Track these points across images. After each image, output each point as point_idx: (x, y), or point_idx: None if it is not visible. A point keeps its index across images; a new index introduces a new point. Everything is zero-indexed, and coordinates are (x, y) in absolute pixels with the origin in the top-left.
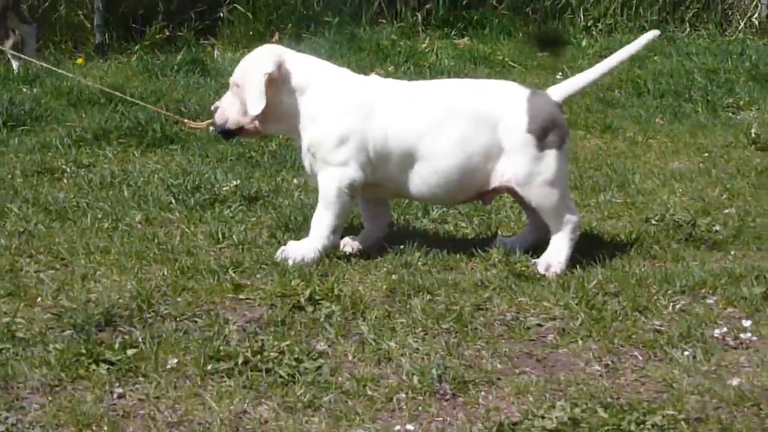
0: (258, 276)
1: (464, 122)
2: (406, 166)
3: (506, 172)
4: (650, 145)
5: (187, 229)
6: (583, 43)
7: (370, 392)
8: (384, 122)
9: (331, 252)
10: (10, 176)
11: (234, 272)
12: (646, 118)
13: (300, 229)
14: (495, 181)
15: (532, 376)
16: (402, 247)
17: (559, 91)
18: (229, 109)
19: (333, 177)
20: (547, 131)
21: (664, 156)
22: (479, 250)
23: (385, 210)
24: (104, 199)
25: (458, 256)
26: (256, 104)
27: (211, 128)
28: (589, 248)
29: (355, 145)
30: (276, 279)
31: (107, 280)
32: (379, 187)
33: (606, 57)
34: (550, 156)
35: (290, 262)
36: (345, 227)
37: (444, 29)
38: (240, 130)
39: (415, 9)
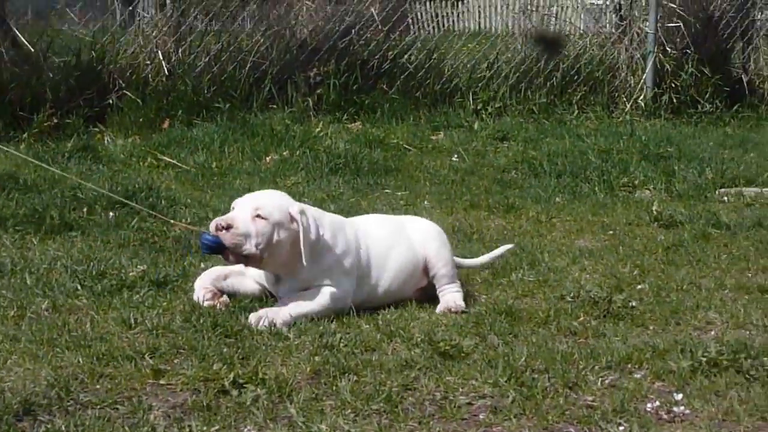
0: (176, 361)
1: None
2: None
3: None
4: (554, 224)
5: (96, 316)
6: (476, 126)
7: None
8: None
9: (249, 332)
10: None
11: (151, 358)
12: (546, 198)
13: (211, 314)
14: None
15: None
16: (321, 328)
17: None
18: (248, 239)
19: (335, 295)
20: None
21: (569, 234)
22: (400, 330)
23: None
24: (6, 287)
25: (379, 336)
26: (306, 258)
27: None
28: (509, 326)
29: (354, 276)
30: (196, 363)
31: (20, 368)
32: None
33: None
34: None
35: (263, 324)
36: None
37: (336, 113)
38: (238, 256)
39: (306, 94)
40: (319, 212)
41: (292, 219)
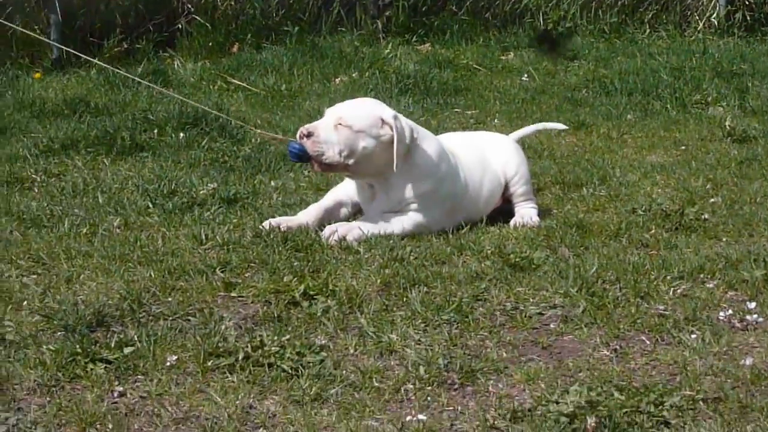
0: (247, 274)
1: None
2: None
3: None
4: (625, 140)
5: (168, 232)
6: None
7: (376, 384)
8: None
9: (319, 247)
10: None
11: (222, 272)
12: (617, 115)
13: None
14: None
15: (540, 363)
16: (391, 242)
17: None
18: (329, 147)
19: (420, 222)
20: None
21: (641, 150)
22: (470, 243)
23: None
24: (79, 206)
25: (449, 249)
26: (396, 166)
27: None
28: (579, 239)
29: (449, 204)
30: (267, 276)
31: (93, 282)
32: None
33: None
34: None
35: (347, 237)
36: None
37: (405, 36)
38: (324, 165)
39: (375, 16)
40: (423, 131)
41: (384, 124)
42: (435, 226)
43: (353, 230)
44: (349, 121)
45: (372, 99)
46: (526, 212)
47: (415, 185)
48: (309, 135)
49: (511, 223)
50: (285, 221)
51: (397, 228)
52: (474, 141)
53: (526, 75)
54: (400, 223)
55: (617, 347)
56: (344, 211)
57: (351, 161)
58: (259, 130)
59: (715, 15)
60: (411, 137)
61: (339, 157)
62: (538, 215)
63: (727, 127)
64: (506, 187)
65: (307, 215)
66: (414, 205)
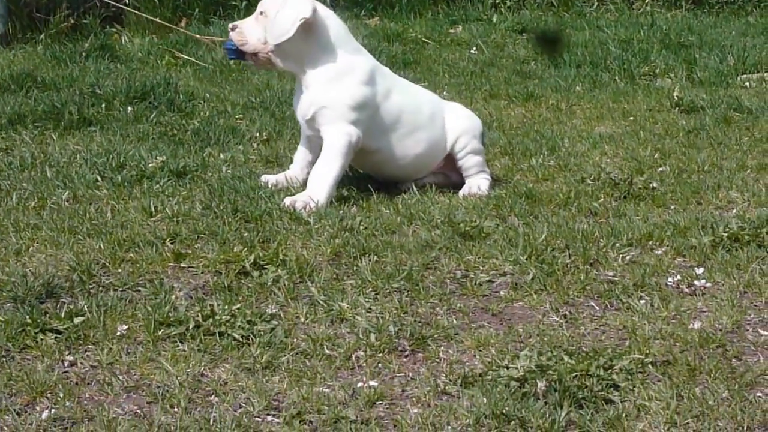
0: (197, 245)
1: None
2: (397, 145)
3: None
4: (574, 111)
5: (117, 205)
6: (494, 19)
7: (327, 351)
8: (395, 104)
9: (269, 218)
10: None
11: (172, 243)
12: (566, 87)
13: (231, 201)
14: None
15: (490, 330)
16: (341, 212)
17: None
18: (249, 34)
19: (346, 132)
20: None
21: (590, 121)
22: (420, 213)
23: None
24: (27, 180)
25: (399, 219)
26: (280, 38)
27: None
28: (529, 208)
29: (369, 114)
30: (217, 247)
31: (42, 254)
32: (362, 160)
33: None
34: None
35: (300, 208)
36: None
37: (353, 10)
38: (252, 56)
39: None
40: (355, 45)
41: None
42: (353, 139)
43: (302, 202)
44: (265, 7)
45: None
46: (474, 182)
47: (328, 86)
48: (234, 28)
49: (461, 192)
50: (274, 178)
51: (333, 164)
52: (432, 98)
53: (474, 48)
54: (328, 151)
55: (567, 313)
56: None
57: (269, 47)
58: (198, 35)
59: None
60: (312, 14)
61: (259, 44)
62: (489, 186)
63: (675, 97)
64: (456, 158)
65: (294, 169)
66: (327, 112)
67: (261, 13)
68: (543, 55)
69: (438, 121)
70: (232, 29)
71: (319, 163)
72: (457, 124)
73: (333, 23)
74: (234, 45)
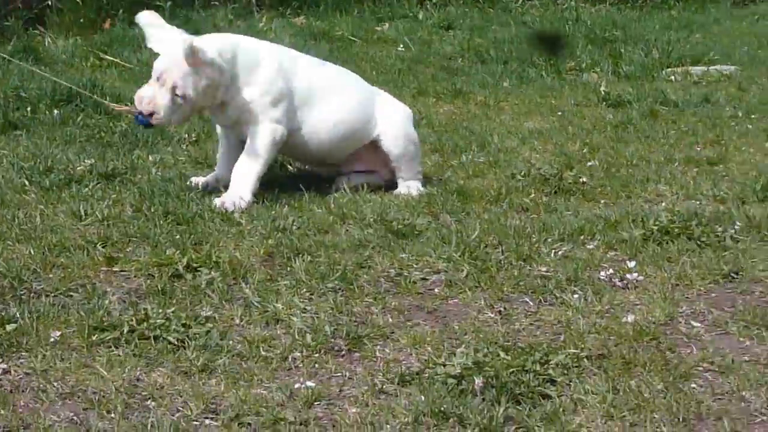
0: (129, 249)
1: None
2: (316, 127)
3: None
4: (502, 107)
5: (46, 210)
6: (420, 16)
7: (264, 353)
8: (307, 83)
9: (201, 220)
10: None
11: (103, 247)
12: (493, 83)
13: (162, 203)
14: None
15: (426, 328)
16: (273, 213)
17: None
18: (158, 104)
19: (270, 130)
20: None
21: (518, 117)
22: (352, 212)
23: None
24: None
25: (331, 218)
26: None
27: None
28: (460, 205)
29: (286, 102)
30: (149, 250)
31: None
32: (290, 146)
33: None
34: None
35: (230, 208)
36: None
37: (279, 9)
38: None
39: None
40: (231, 40)
41: (195, 62)
42: (278, 136)
43: (237, 193)
44: (162, 75)
45: (178, 40)
46: (410, 184)
47: (241, 89)
48: (141, 102)
49: (395, 192)
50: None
51: (259, 159)
52: (353, 80)
53: (401, 45)
54: (251, 149)
55: (502, 309)
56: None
57: (187, 107)
58: (114, 105)
59: None
60: (215, 63)
61: (172, 107)
62: (422, 186)
63: (602, 92)
64: (388, 155)
65: (221, 169)
66: (251, 112)
67: (158, 78)
68: (543, 55)
69: (356, 100)
70: (139, 102)
71: (241, 161)
72: (391, 126)
73: (220, 44)
74: (141, 117)
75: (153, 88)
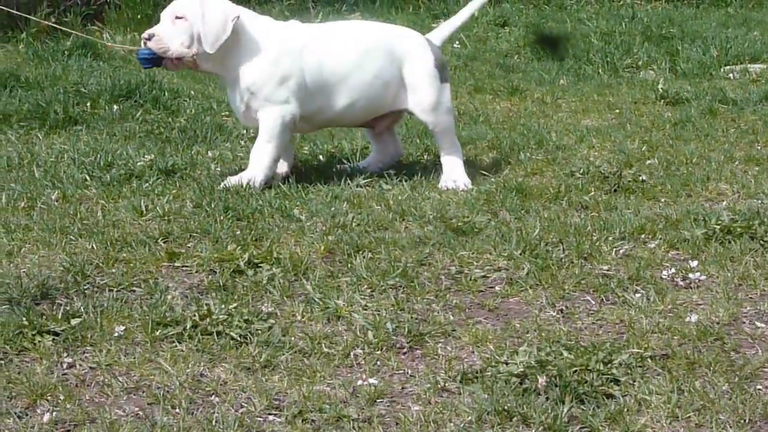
0: (190, 244)
1: (378, 60)
2: (336, 96)
3: (410, 100)
4: (559, 104)
5: (107, 204)
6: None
7: (326, 349)
8: (317, 60)
9: (260, 215)
10: None
11: (165, 242)
12: (550, 80)
13: (222, 198)
14: (398, 105)
15: (487, 326)
16: (333, 209)
17: (437, 36)
18: (170, 40)
19: (277, 113)
20: (443, 68)
21: (575, 114)
22: (412, 209)
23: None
24: (15, 180)
25: (390, 215)
26: (215, 44)
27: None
28: (520, 203)
29: (295, 83)
30: (210, 246)
31: (34, 255)
32: (307, 119)
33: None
34: (447, 88)
35: (240, 182)
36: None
37: (334, 5)
38: (172, 61)
39: None
40: (249, 14)
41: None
42: (287, 119)
43: (246, 175)
44: (183, 11)
45: None
46: (451, 174)
47: (247, 72)
48: (151, 37)
49: (440, 185)
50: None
51: (268, 143)
52: (364, 31)
53: (457, 42)
54: (263, 132)
55: (563, 308)
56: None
57: (194, 49)
58: (108, 43)
59: None
60: (224, 20)
61: (183, 48)
62: (465, 174)
63: (660, 89)
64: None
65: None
66: (259, 95)
67: (177, 17)
68: (548, 55)
69: (375, 54)
70: (149, 38)
71: (256, 145)
72: (418, 83)
73: (244, 13)
74: (148, 54)
75: (168, 28)
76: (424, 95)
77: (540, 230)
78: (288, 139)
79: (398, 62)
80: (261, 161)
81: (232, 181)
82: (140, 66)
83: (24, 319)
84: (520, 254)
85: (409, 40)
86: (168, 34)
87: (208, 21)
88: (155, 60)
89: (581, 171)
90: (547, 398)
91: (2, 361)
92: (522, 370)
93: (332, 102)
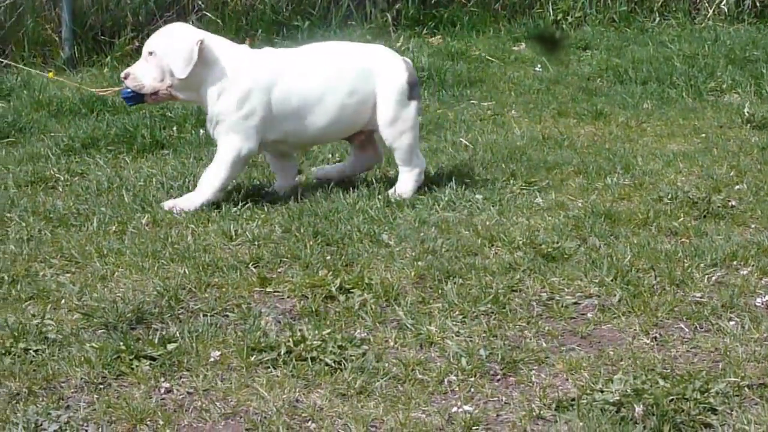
0: (281, 269)
1: (351, 79)
2: (311, 118)
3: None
4: (644, 129)
5: (197, 229)
6: (557, 36)
7: (419, 376)
8: (287, 90)
9: (349, 240)
10: (3, 187)
11: (255, 267)
12: (633, 104)
13: (311, 223)
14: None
15: (581, 353)
16: (422, 235)
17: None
18: (143, 76)
19: (235, 145)
20: (413, 85)
21: (661, 138)
22: (501, 234)
23: (292, 162)
24: (105, 204)
25: (479, 241)
26: (185, 69)
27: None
28: (608, 228)
29: (259, 117)
30: (300, 271)
31: (127, 280)
32: (282, 142)
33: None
34: (413, 106)
35: (176, 210)
36: None
37: (415, 28)
38: (151, 96)
39: (384, 9)
40: (222, 42)
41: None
42: (243, 153)
43: (191, 200)
44: (152, 47)
45: (174, 24)
46: (400, 188)
47: (217, 100)
48: (127, 76)
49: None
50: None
51: (216, 164)
52: (337, 56)
53: (539, 66)
54: (218, 159)
55: (657, 335)
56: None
57: (167, 81)
58: (95, 89)
59: (725, 2)
60: (190, 45)
61: (156, 83)
62: (418, 184)
63: (746, 113)
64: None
65: (279, 180)
66: (223, 123)
67: (150, 53)
68: (544, 57)
69: (348, 74)
70: (125, 78)
71: (208, 168)
72: (385, 93)
73: (214, 41)
74: (130, 92)
75: (141, 65)
76: (384, 109)
77: (631, 256)
78: (240, 171)
79: (372, 80)
80: (208, 185)
81: (169, 204)
82: (126, 105)
83: (121, 343)
84: (612, 281)
85: (382, 58)
86: (141, 71)
87: (176, 49)
88: (136, 97)
89: (669, 196)
90: (644, 427)
91: (101, 386)
92: (618, 398)
93: (307, 124)
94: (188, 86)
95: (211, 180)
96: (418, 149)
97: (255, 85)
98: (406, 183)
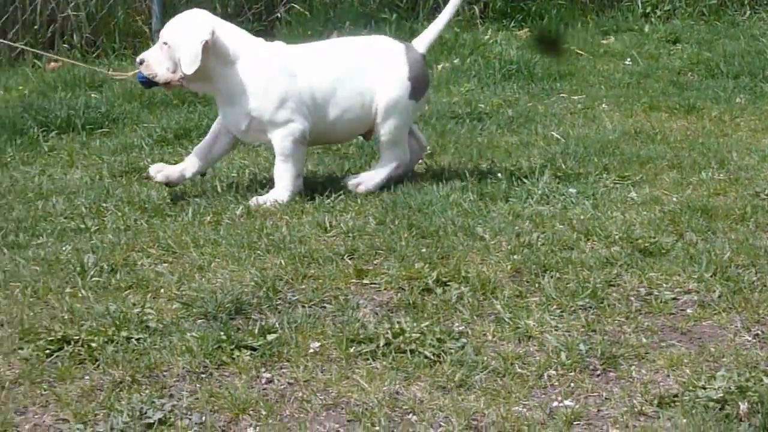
0: (376, 261)
1: (360, 76)
2: (326, 113)
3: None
4: (738, 123)
5: (291, 220)
6: (646, 29)
7: (519, 370)
8: (308, 80)
9: (444, 233)
10: (98, 177)
11: (351, 259)
12: (726, 98)
13: (405, 216)
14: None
15: (681, 349)
16: (517, 228)
17: (422, 42)
18: (157, 65)
19: (286, 133)
20: (416, 81)
21: (755, 133)
22: (596, 229)
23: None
24: (199, 195)
25: (575, 235)
26: (190, 66)
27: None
28: (705, 223)
29: (294, 102)
30: (397, 263)
31: (225, 270)
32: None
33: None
34: (412, 105)
35: (267, 204)
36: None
37: (502, 21)
38: (164, 84)
39: (472, 2)
40: (242, 36)
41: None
42: (297, 135)
43: (276, 196)
44: (167, 37)
45: (195, 10)
46: (367, 177)
47: (247, 96)
48: (142, 62)
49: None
50: (164, 170)
51: (280, 159)
52: (343, 55)
53: (629, 59)
54: (277, 153)
55: (759, 332)
56: (225, 140)
57: (179, 74)
58: (109, 72)
59: None
60: (196, 44)
61: (168, 74)
62: (387, 178)
63: None
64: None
65: (186, 162)
66: (263, 117)
67: (164, 43)
68: (544, 55)
69: (360, 71)
70: (140, 63)
71: (275, 166)
72: (385, 80)
73: (230, 34)
74: (142, 76)
75: (156, 53)
76: (381, 98)
77: (730, 252)
78: (304, 153)
79: (373, 74)
80: (283, 180)
81: (259, 201)
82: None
83: (222, 333)
84: (711, 276)
85: (389, 51)
86: (156, 60)
87: (183, 46)
88: (151, 82)
89: (766, 192)
90: (750, 425)
91: (203, 375)
92: (721, 395)
93: (323, 120)
94: (200, 79)
95: (282, 175)
96: (406, 143)
97: (279, 73)
98: (373, 176)
